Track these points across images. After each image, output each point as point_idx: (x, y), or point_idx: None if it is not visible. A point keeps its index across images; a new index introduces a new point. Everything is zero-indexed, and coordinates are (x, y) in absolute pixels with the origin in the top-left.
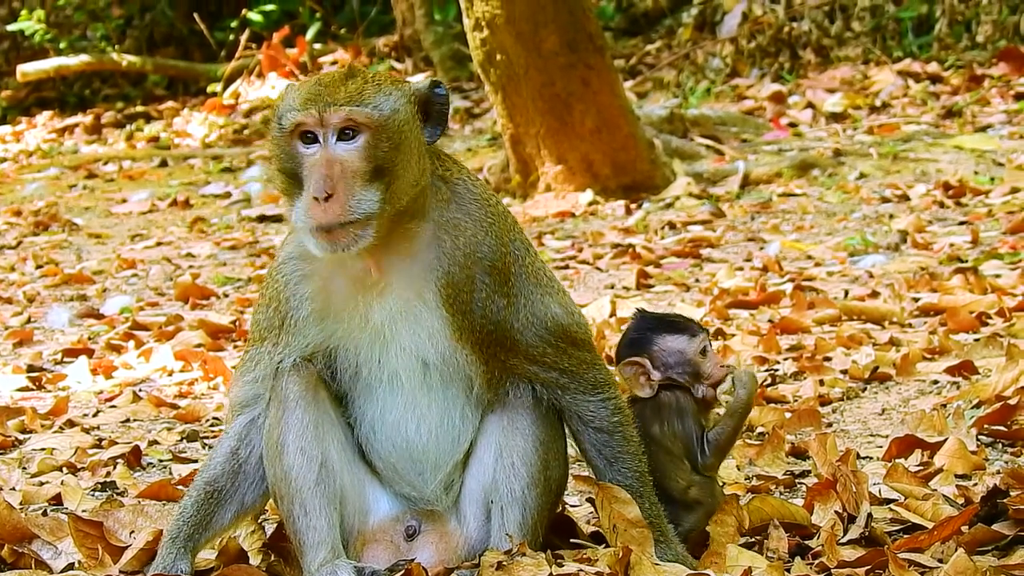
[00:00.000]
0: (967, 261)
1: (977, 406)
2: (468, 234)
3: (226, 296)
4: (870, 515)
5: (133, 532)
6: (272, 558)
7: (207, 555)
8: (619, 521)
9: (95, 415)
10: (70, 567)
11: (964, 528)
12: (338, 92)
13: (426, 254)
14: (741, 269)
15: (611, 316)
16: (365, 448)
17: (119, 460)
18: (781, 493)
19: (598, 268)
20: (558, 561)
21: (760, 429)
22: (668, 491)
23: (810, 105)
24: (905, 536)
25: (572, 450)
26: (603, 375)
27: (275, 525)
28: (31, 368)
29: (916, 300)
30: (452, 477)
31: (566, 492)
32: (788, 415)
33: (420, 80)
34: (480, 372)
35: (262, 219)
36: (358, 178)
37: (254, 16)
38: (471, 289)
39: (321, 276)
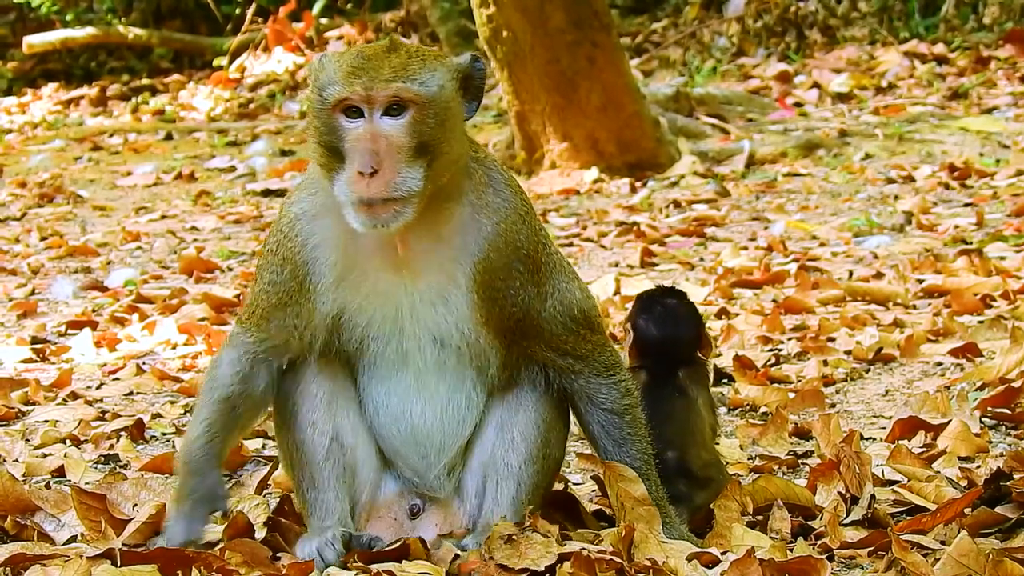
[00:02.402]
0: (972, 243)
1: (981, 388)
2: (509, 221)
3: (230, 270)
4: (873, 496)
5: (136, 505)
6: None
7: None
8: (626, 499)
9: (98, 387)
10: (73, 539)
11: (967, 510)
12: (384, 66)
13: (462, 236)
14: (745, 248)
15: (615, 294)
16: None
17: (122, 433)
18: (784, 474)
19: (602, 246)
20: (565, 541)
21: (764, 409)
22: (688, 464)
23: (816, 85)
24: (908, 518)
25: (574, 427)
26: (614, 357)
27: (278, 499)
28: (35, 340)
29: (920, 281)
30: (455, 462)
31: (569, 470)
32: (792, 395)
33: (461, 56)
34: (498, 357)
35: (267, 193)
36: (403, 154)
37: None
38: (507, 276)
39: (341, 242)
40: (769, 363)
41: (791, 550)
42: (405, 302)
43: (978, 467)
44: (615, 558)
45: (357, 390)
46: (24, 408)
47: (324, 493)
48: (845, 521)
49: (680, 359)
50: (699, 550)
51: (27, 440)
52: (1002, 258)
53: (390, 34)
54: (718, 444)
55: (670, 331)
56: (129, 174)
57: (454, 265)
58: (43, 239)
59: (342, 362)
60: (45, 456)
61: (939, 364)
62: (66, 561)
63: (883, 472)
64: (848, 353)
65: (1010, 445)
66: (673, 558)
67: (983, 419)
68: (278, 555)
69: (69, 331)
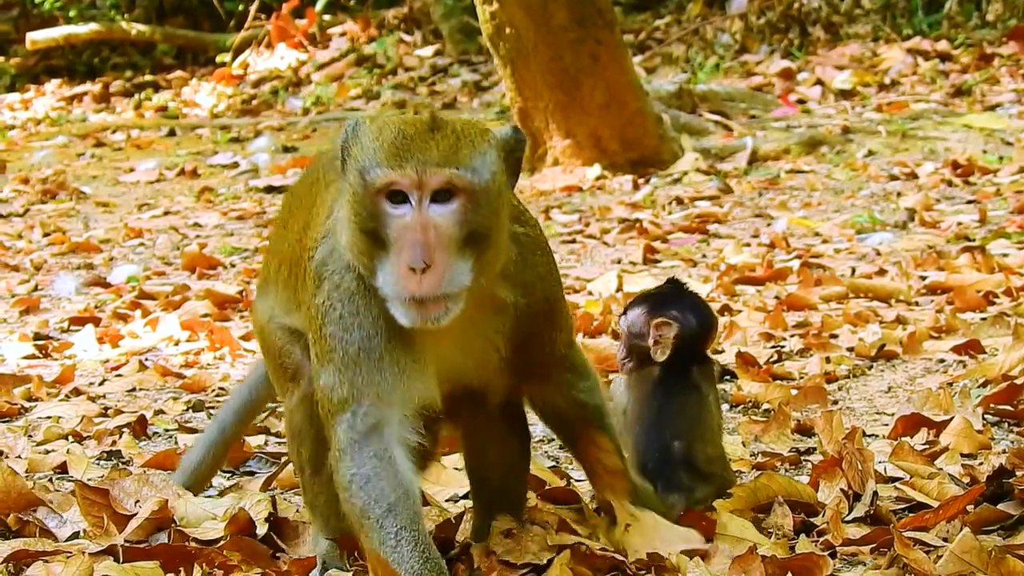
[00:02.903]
0: (975, 240)
1: (983, 385)
2: (538, 294)
3: (233, 266)
4: (875, 493)
5: (138, 501)
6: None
7: (215, 524)
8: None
9: (101, 384)
10: (75, 536)
11: (969, 507)
12: (432, 149)
13: (492, 308)
14: (748, 245)
15: (617, 291)
16: None
17: (125, 429)
18: (787, 470)
19: (605, 243)
20: (561, 532)
21: (766, 406)
22: (693, 457)
23: (819, 82)
24: (910, 515)
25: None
26: (583, 356)
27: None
28: (37, 336)
29: (923, 278)
30: None
31: (572, 466)
32: (794, 392)
33: (502, 129)
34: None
35: (269, 190)
36: (453, 245)
37: None
38: (531, 331)
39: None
40: (771, 360)
41: (793, 547)
42: (435, 364)
43: (980, 464)
44: (616, 555)
45: None
46: (27, 404)
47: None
48: (847, 518)
49: (696, 353)
50: (682, 529)
51: (30, 436)
52: (1005, 255)
53: (429, 109)
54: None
55: (706, 318)
56: (132, 170)
57: (488, 332)
58: (46, 235)
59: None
60: (48, 452)
61: (942, 361)
62: (68, 557)
63: (885, 469)
64: (850, 350)
65: (1012, 442)
66: (675, 554)
67: (985, 416)
68: (277, 554)
69: (72, 327)
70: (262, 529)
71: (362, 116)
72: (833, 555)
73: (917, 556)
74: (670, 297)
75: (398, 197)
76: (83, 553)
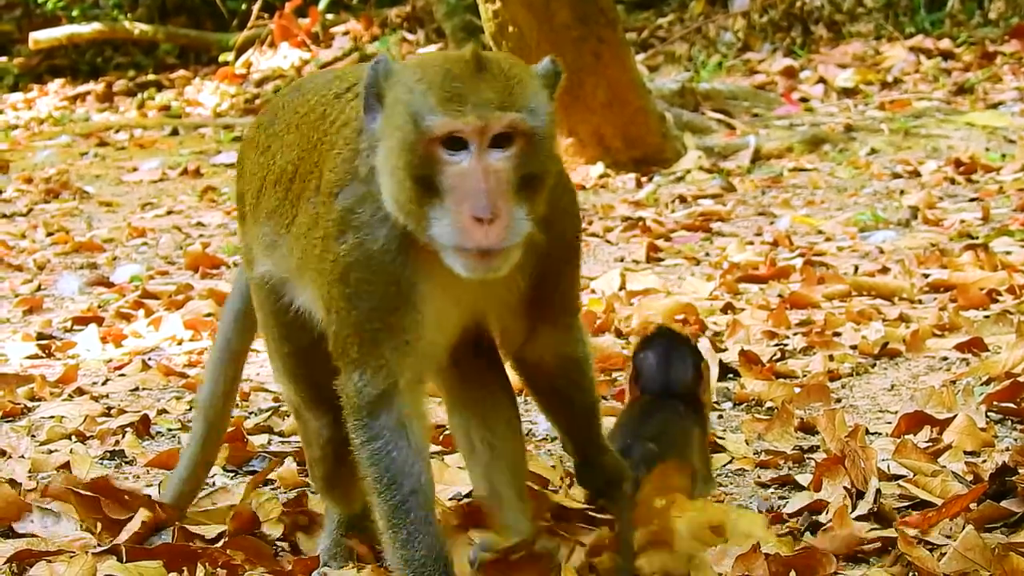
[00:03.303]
0: (978, 238)
1: (987, 383)
2: (562, 230)
3: (236, 265)
4: (879, 491)
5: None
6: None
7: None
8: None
9: (104, 383)
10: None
11: (973, 505)
12: (487, 91)
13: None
14: (751, 243)
15: (620, 289)
16: None
17: (128, 429)
18: (790, 468)
19: (608, 241)
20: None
21: (769, 404)
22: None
23: (822, 80)
24: (914, 512)
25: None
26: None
27: (288, 495)
28: (40, 336)
29: (926, 276)
30: None
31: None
32: (797, 390)
33: (542, 64)
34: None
35: None
36: (512, 192)
37: None
38: (551, 270)
39: (421, 265)
40: (775, 358)
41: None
42: (457, 309)
43: (984, 462)
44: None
45: None
46: (30, 404)
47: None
48: (851, 516)
49: (681, 397)
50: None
51: (33, 436)
52: (1008, 253)
53: (471, 45)
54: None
55: (674, 372)
56: (135, 170)
57: (507, 278)
58: (49, 235)
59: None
60: (51, 452)
61: (945, 359)
62: (71, 557)
63: (889, 467)
64: (854, 348)
65: (1016, 440)
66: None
67: (989, 414)
68: (279, 554)
69: (75, 327)
70: (273, 529)
71: (385, 55)
72: (837, 553)
73: (920, 554)
74: (650, 342)
75: (456, 144)
76: (86, 553)
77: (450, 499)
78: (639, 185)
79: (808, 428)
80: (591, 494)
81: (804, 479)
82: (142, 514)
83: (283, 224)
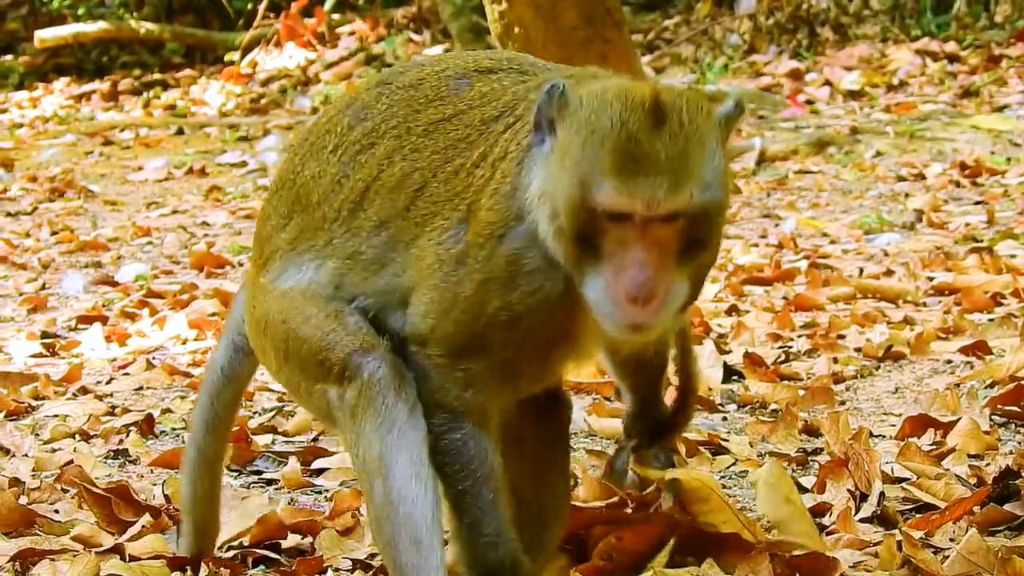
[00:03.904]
0: (982, 241)
1: (991, 386)
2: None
3: (241, 265)
4: (882, 494)
5: (145, 500)
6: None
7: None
8: None
9: (108, 382)
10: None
11: (976, 508)
12: (662, 161)
13: None
14: (756, 246)
15: None
16: None
17: (132, 428)
18: (794, 471)
19: None
20: None
21: (773, 406)
22: None
23: (827, 83)
24: (917, 515)
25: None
26: None
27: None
28: (45, 334)
29: (931, 279)
30: None
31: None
32: (801, 392)
33: (725, 107)
34: None
35: None
36: (673, 263)
37: None
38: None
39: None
40: (779, 360)
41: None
42: None
43: (987, 465)
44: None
45: None
46: (34, 403)
47: (429, 556)
48: (855, 518)
49: None
50: None
51: (37, 435)
52: (1012, 256)
53: (650, 85)
54: None
55: None
56: (140, 169)
57: None
58: (54, 233)
59: None
60: (55, 451)
61: (949, 362)
62: (75, 556)
63: (892, 469)
64: (858, 350)
65: (1019, 443)
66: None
67: (993, 417)
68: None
69: (79, 326)
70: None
71: (565, 80)
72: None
73: (924, 557)
74: None
75: (622, 216)
76: (89, 551)
77: None
78: None
79: (812, 430)
80: (639, 443)
81: (808, 481)
82: (145, 519)
83: (401, 240)
